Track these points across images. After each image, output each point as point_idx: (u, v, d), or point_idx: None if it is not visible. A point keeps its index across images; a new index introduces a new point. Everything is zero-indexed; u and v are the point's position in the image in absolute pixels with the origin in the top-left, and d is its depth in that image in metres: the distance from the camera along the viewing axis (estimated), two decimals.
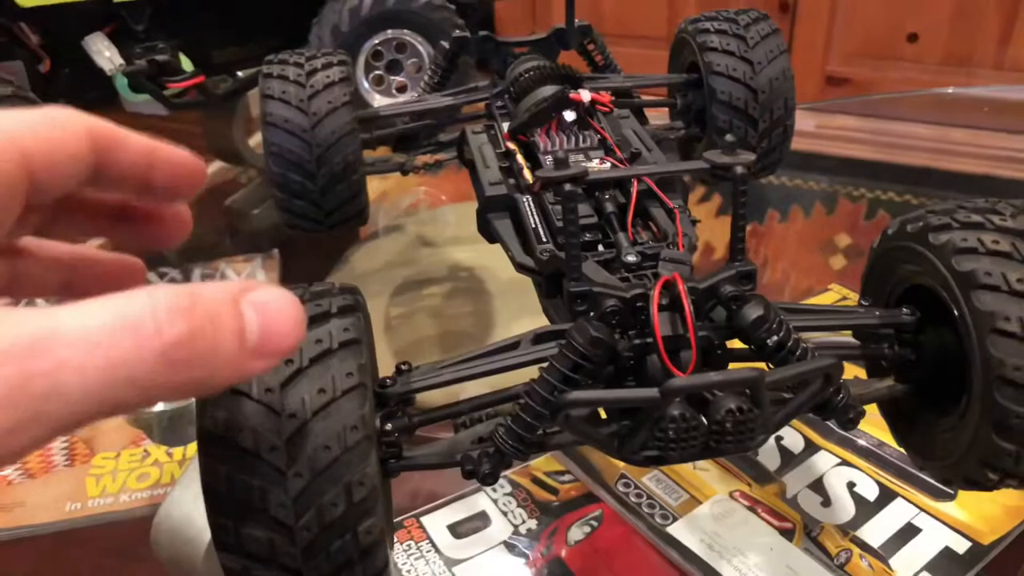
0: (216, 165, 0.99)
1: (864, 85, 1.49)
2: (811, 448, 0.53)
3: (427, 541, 0.48)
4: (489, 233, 0.45)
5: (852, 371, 0.38)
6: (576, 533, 0.48)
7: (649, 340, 0.32)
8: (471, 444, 0.34)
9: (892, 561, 0.45)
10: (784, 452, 0.52)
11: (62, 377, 0.18)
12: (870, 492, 0.49)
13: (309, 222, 0.59)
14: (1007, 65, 1.41)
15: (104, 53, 0.76)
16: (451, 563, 0.46)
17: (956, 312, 0.33)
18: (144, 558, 0.45)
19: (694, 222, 0.41)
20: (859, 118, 1.02)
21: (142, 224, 0.28)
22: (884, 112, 1.04)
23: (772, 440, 0.53)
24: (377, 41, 0.86)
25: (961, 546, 0.46)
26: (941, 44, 1.44)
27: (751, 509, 0.48)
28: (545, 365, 0.32)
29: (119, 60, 0.77)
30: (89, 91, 0.78)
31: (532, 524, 0.48)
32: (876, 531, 0.47)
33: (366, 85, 0.87)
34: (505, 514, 0.49)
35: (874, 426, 0.52)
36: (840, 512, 0.48)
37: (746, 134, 0.60)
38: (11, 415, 0.18)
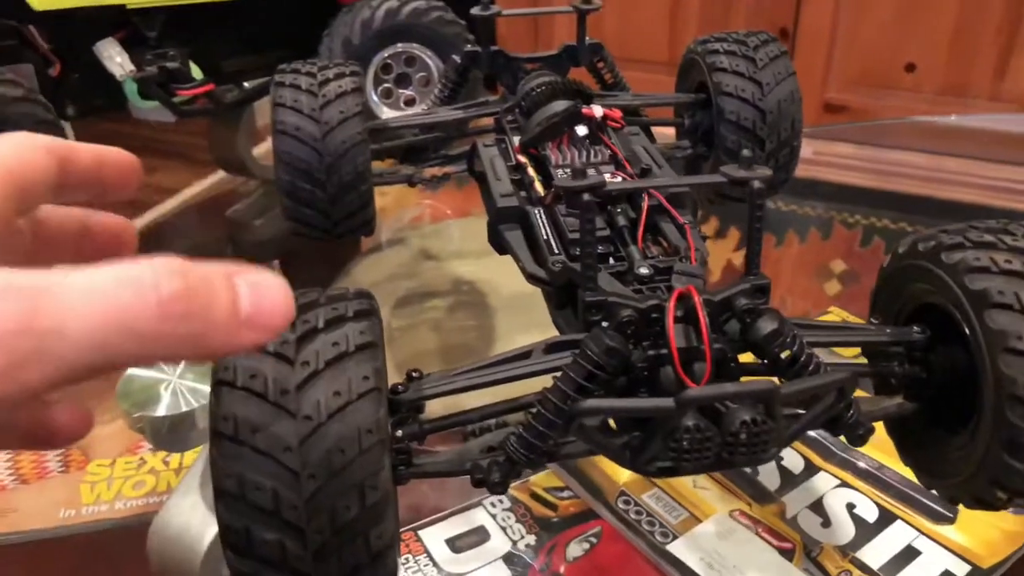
0: (219, 175, 1.00)
1: (862, 113, 1.50)
2: (811, 469, 0.53)
3: (425, 555, 0.47)
4: (499, 244, 0.46)
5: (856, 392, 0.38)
6: (575, 549, 0.48)
7: (663, 351, 0.33)
8: (480, 453, 0.34)
9: None
10: (784, 472, 0.53)
11: (66, 318, 0.20)
12: (870, 514, 0.49)
13: (317, 230, 0.59)
14: (1003, 97, 1.42)
15: (115, 59, 0.77)
16: None
17: (968, 331, 0.33)
18: (139, 566, 0.44)
19: (704, 238, 0.41)
20: (856, 146, 1.03)
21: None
22: (881, 140, 1.05)
23: (772, 461, 0.53)
24: (387, 54, 0.86)
25: (961, 569, 0.46)
26: (939, 74, 1.46)
27: (751, 528, 0.48)
28: (559, 374, 0.32)
29: (130, 66, 0.77)
30: (98, 96, 0.79)
31: (531, 540, 0.48)
32: (876, 553, 0.47)
33: (375, 98, 0.88)
34: (504, 529, 0.49)
35: (875, 448, 0.52)
36: (840, 533, 0.48)
37: (753, 154, 0.61)
38: (20, 346, 0.19)
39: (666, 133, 0.69)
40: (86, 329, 0.20)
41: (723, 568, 0.45)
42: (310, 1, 0.88)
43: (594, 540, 0.48)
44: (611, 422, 0.34)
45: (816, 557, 0.46)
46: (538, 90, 0.54)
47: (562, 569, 0.46)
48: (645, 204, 0.41)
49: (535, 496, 0.51)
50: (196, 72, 0.81)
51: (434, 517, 0.49)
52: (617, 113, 0.50)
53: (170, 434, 0.53)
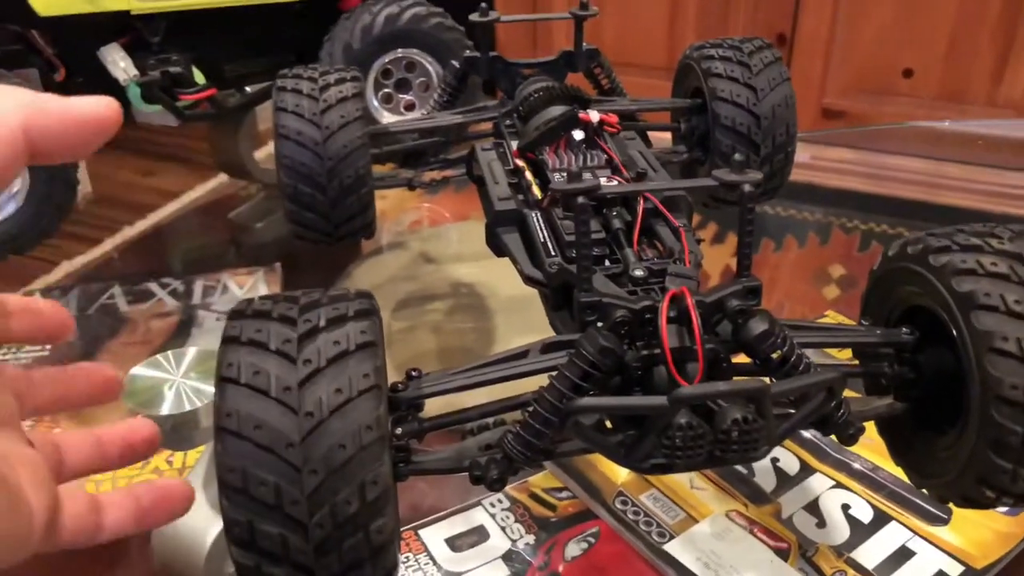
0: (221, 179, 1.00)
1: (860, 118, 1.51)
2: (806, 470, 0.53)
3: (425, 553, 0.48)
4: (497, 247, 0.46)
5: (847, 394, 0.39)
6: (573, 549, 0.48)
7: (657, 351, 0.33)
8: (479, 451, 0.35)
9: None
10: (780, 473, 0.53)
11: None
12: (864, 515, 0.50)
13: (318, 233, 0.60)
14: (1000, 102, 1.43)
15: (119, 63, 0.78)
16: None
17: (955, 332, 0.34)
18: (142, 566, 0.45)
19: (698, 241, 0.42)
20: (854, 151, 1.03)
21: None
22: (879, 146, 1.05)
23: (768, 461, 0.53)
24: (387, 59, 0.87)
25: (954, 570, 0.46)
26: (936, 80, 1.47)
27: (747, 529, 0.49)
28: (554, 373, 0.33)
29: (133, 71, 0.78)
30: None
31: (530, 539, 0.49)
32: (870, 553, 0.47)
33: (375, 103, 0.89)
34: (503, 529, 0.49)
35: (869, 450, 0.53)
36: (835, 534, 0.49)
37: (747, 159, 0.61)
38: None
39: (662, 138, 0.70)
40: None
41: (719, 568, 0.46)
42: (311, 7, 0.88)
43: (592, 540, 0.49)
44: (607, 422, 0.35)
45: (811, 557, 0.47)
46: (536, 95, 0.54)
47: (560, 568, 0.47)
48: (640, 207, 0.42)
49: (534, 496, 0.52)
50: (199, 77, 0.82)
51: (433, 517, 0.50)
52: (613, 118, 0.51)
53: (173, 433, 0.54)
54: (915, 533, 0.48)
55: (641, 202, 0.42)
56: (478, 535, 0.49)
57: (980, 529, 0.48)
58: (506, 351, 0.36)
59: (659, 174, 0.48)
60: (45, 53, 0.79)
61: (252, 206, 0.93)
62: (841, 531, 0.49)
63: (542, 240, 0.43)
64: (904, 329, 0.38)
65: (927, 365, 0.37)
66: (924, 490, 0.39)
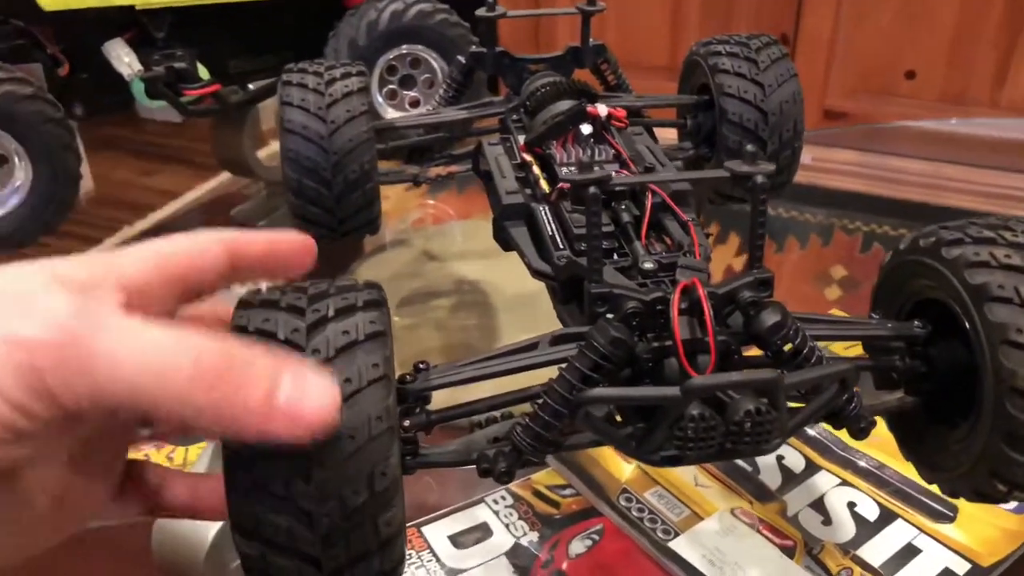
0: (222, 177, 1.00)
1: (862, 119, 1.51)
2: (812, 468, 0.53)
3: (428, 550, 0.48)
4: (505, 240, 0.46)
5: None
6: (577, 546, 0.48)
7: (668, 343, 0.33)
8: (487, 444, 0.35)
9: None
10: (785, 471, 0.53)
11: (113, 349, 0.23)
12: (870, 512, 0.50)
13: (322, 228, 0.59)
14: (1002, 104, 1.43)
15: (123, 59, 0.78)
16: (452, 573, 0.46)
17: (968, 324, 0.34)
18: (144, 563, 0.45)
19: (708, 235, 0.42)
20: (856, 152, 1.03)
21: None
22: (881, 147, 1.06)
23: (773, 459, 0.53)
24: (392, 56, 0.87)
25: (961, 567, 0.46)
26: (938, 82, 1.47)
27: (752, 526, 0.48)
28: (565, 365, 0.33)
29: (138, 66, 0.78)
30: (106, 95, 0.79)
31: (534, 536, 0.48)
32: (876, 551, 0.47)
33: (380, 99, 0.88)
34: (507, 526, 0.49)
35: (875, 447, 0.53)
36: (841, 531, 0.48)
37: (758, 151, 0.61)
38: (67, 355, 0.23)
39: (669, 135, 0.70)
40: (124, 364, 0.23)
41: (724, 565, 0.46)
42: (316, 3, 0.88)
43: (596, 537, 0.48)
44: (617, 415, 0.35)
45: (817, 555, 0.47)
46: (543, 90, 0.54)
47: (564, 566, 0.47)
48: (649, 201, 0.42)
49: (537, 494, 0.51)
50: (203, 72, 0.82)
51: (437, 513, 0.50)
52: (621, 112, 0.50)
53: None
54: (921, 531, 0.48)
55: (649, 196, 0.42)
56: (481, 532, 0.49)
57: (986, 527, 0.48)
58: (515, 343, 0.36)
59: (667, 168, 0.48)
60: (49, 48, 0.79)
61: (255, 204, 0.93)
62: (847, 529, 0.49)
63: (550, 233, 0.42)
64: (916, 323, 0.37)
65: (939, 359, 0.37)
66: (934, 485, 0.39)
